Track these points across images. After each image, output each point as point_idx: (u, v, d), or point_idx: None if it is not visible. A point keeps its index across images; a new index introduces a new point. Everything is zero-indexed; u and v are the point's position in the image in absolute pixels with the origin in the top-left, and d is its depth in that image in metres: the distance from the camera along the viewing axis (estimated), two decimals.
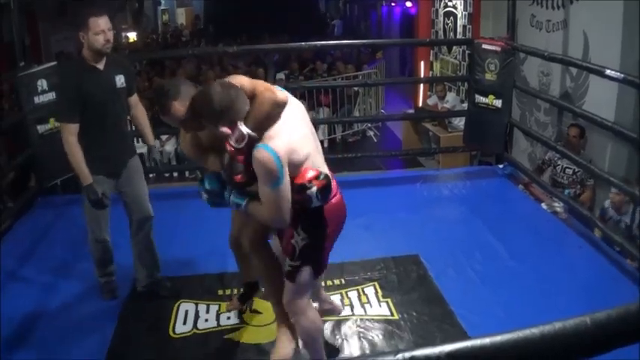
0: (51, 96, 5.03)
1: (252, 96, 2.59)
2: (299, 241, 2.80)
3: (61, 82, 4.41)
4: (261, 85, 2.66)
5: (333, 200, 2.79)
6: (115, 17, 17.48)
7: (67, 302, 3.84)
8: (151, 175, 7.68)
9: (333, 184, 2.80)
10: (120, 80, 3.69)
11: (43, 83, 5.00)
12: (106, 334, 3.53)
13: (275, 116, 2.59)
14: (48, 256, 4.44)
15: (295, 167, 2.60)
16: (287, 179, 2.56)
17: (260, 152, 2.49)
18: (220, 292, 3.98)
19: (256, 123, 2.53)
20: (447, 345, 0.93)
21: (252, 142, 2.52)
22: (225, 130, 2.54)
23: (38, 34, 11.78)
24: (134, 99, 3.90)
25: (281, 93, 2.66)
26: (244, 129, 2.50)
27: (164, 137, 9.63)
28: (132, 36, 19.47)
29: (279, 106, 2.60)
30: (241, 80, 2.69)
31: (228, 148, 2.57)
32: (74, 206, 4.82)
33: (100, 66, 3.62)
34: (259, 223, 3.01)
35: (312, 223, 2.80)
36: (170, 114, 2.91)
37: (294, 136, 2.61)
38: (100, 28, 3.50)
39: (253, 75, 11.90)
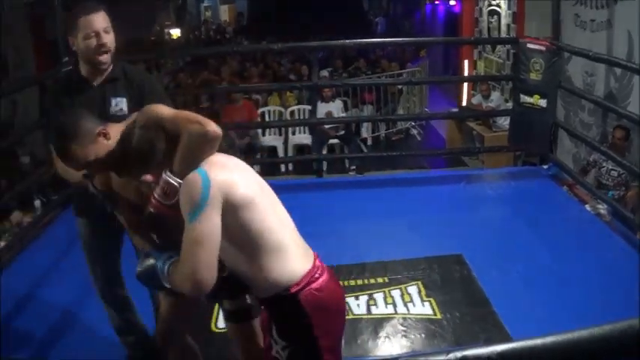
0: None
1: (178, 132, 1.99)
2: (280, 352, 2.11)
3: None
4: (184, 117, 2.02)
5: (314, 285, 2.07)
6: (158, 14, 17.69)
7: None
8: None
9: (317, 263, 2.14)
10: (117, 104, 2.80)
11: None
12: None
13: (208, 151, 1.99)
14: None
15: (234, 210, 1.95)
16: (215, 220, 1.90)
17: (189, 176, 1.94)
18: None
19: (185, 163, 1.95)
20: (497, 345, 0.97)
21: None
22: (147, 177, 2.03)
23: None
24: None
25: (215, 126, 1.99)
26: (173, 179, 1.97)
27: None
28: (175, 32, 19.70)
29: (212, 140, 1.99)
30: (160, 111, 2.10)
31: (153, 202, 2.02)
32: None
33: (95, 81, 2.83)
34: (170, 308, 2.54)
35: (291, 323, 2.11)
36: (67, 159, 2.18)
37: (240, 173, 2.03)
38: (92, 29, 2.69)
39: (297, 72, 12.08)
